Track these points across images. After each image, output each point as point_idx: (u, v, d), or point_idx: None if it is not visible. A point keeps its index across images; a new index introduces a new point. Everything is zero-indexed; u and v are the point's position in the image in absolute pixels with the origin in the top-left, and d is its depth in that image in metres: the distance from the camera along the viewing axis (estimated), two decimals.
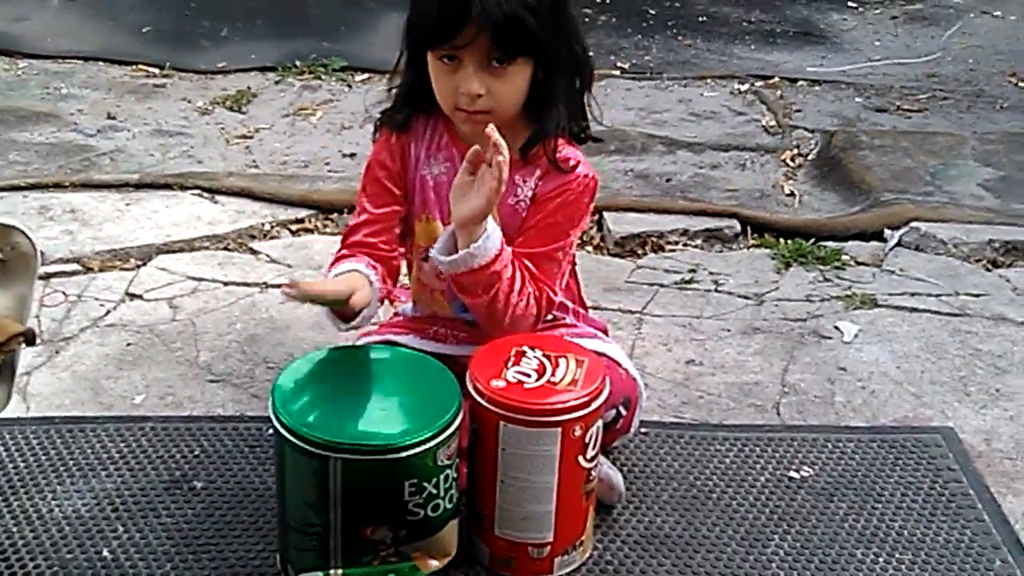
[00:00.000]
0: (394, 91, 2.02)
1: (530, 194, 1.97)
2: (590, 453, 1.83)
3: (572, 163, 1.96)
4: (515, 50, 1.84)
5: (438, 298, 2.09)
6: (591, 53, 1.99)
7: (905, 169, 3.57)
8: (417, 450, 1.70)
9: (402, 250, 2.07)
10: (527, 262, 1.93)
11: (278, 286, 2.78)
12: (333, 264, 1.99)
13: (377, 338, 2.12)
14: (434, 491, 1.75)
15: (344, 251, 2.01)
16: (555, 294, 1.98)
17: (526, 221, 1.97)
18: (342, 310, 1.88)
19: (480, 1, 1.78)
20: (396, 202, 2.01)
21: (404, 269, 2.15)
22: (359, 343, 2.12)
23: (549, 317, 2.06)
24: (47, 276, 2.78)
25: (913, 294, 2.86)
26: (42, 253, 1.97)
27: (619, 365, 2.04)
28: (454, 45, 1.83)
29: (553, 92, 1.92)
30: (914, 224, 3.16)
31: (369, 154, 2.05)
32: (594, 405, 1.81)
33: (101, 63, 4.39)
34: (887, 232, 3.16)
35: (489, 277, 1.86)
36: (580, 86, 1.97)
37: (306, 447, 1.70)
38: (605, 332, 2.19)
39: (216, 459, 2.15)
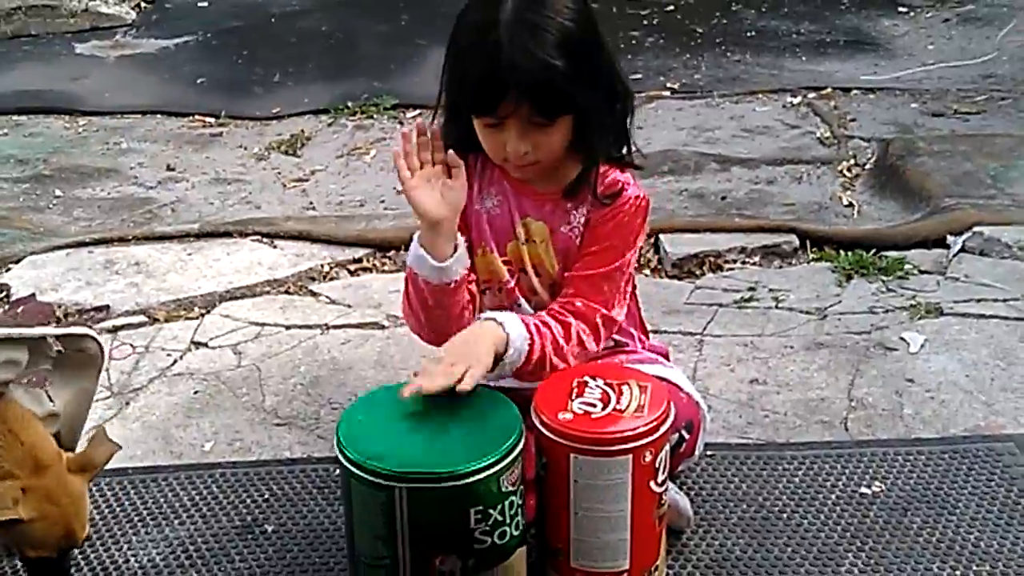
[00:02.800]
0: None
1: (583, 220, 1.99)
2: (660, 477, 1.83)
3: (619, 187, 1.98)
4: (555, 112, 1.87)
5: None
6: (633, 78, 2.01)
7: (965, 173, 3.52)
8: (480, 476, 1.71)
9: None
10: (584, 285, 1.96)
11: (339, 327, 2.81)
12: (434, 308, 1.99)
13: None
14: (500, 518, 1.75)
15: None
16: (616, 312, 1.99)
17: (583, 246, 1.99)
18: None
19: (515, 73, 1.80)
20: (464, 234, 2.03)
21: None
22: None
23: (610, 343, 2.06)
24: (115, 328, 2.84)
25: (979, 300, 2.81)
26: (103, 351, 2.03)
27: (680, 389, 2.03)
28: (496, 116, 1.87)
29: (594, 130, 1.94)
30: (977, 229, 3.12)
31: None
32: (662, 429, 1.80)
33: (159, 116, 4.50)
34: (950, 238, 3.11)
35: (535, 367, 1.89)
36: (621, 113, 1.99)
37: (371, 479, 1.72)
38: (666, 356, 2.18)
39: (285, 502, 2.18)
